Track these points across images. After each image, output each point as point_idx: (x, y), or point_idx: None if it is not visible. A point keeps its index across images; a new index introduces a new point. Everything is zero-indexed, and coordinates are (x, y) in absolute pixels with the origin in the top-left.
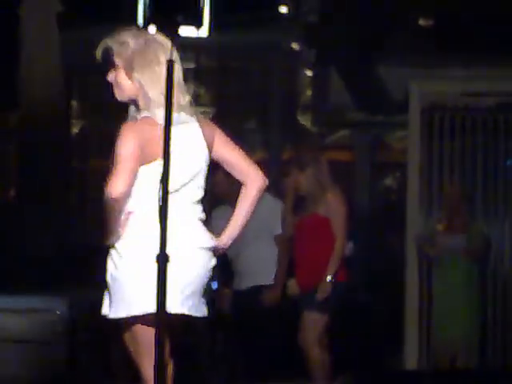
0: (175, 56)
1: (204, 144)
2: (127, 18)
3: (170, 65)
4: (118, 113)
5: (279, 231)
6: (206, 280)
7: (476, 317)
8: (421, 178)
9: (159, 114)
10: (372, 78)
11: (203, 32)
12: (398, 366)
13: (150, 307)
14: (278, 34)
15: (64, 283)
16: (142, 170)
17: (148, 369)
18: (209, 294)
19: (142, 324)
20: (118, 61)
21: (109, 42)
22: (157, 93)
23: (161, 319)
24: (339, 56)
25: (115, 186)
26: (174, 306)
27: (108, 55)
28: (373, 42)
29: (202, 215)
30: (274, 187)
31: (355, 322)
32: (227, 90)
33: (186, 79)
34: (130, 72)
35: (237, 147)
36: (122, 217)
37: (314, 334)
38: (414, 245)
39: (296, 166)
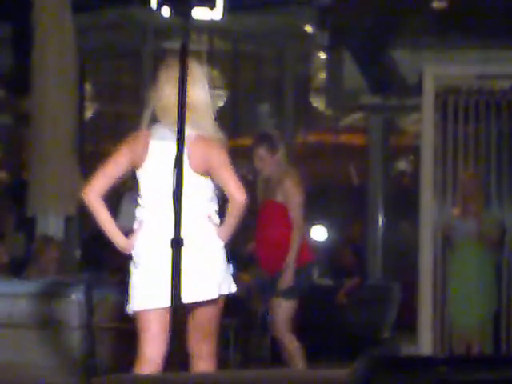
0: (195, 72)
1: (186, 166)
2: (140, 1)
3: (183, 50)
4: (130, 96)
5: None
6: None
7: (490, 303)
8: (435, 162)
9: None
10: (386, 61)
11: (217, 14)
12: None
13: (161, 303)
14: (292, 17)
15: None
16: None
17: (147, 351)
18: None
19: (153, 316)
20: None
21: None
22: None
23: (177, 304)
24: (353, 39)
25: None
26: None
27: None
28: (387, 25)
29: (207, 212)
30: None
31: (369, 308)
32: (241, 73)
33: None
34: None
35: (225, 168)
36: (136, 225)
37: (282, 320)
38: (431, 230)
39: (268, 151)
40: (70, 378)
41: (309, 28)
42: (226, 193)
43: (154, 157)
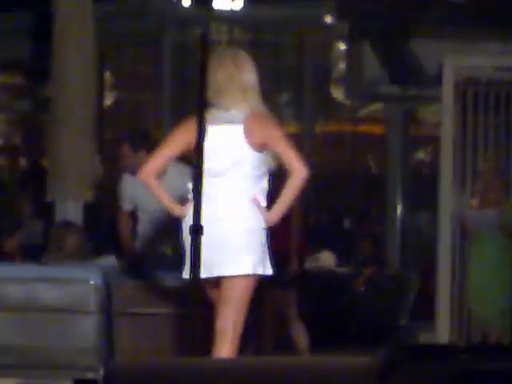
0: (243, 57)
1: (243, 143)
2: None
3: (203, 39)
4: (149, 85)
5: None
6: (251, 245)
7: (509, 293)
8: (454, 153)
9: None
10: (405, 52)
11: (237, 4)
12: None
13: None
14: (312, 7)
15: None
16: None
17: (219, 321)
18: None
19: (209, 286)
20: None
21: None
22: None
23: (194, 285)
24: (373, 29)
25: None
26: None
27: None
28: (407, 15)
29: (253, 194)
30: (308, 159)
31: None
32: (260, 63)
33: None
34: None
35: (283, 141)
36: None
37: (289, 308)
38: (450, 220)
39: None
40: (87, 363)
41: (328, 18)
42: (285, 166)
43: (211, 139)
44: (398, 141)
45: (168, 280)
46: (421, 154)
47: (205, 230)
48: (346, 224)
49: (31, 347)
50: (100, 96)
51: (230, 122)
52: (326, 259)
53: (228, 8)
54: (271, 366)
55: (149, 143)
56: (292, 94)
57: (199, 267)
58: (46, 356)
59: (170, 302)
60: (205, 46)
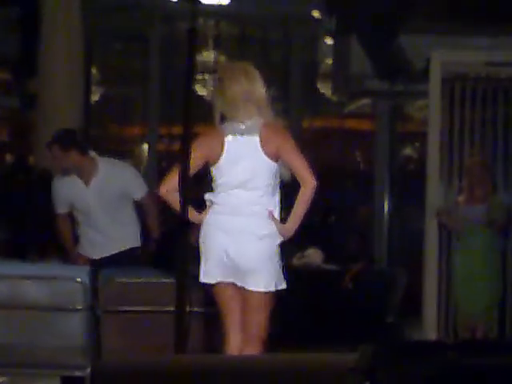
0: (255, 72)
1: (261, 153)
2: None
3: (190, 34)
4: (137, 80)
5: (140, 194)
6: (269, 259)
7: (496, 289)
8: (441, 148)
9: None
10: (393, 47)
11: None
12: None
13: (226, 277)
14: (299, 2)
15: None
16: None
17: (229, 326)
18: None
19: (220, 289)
20: None
21: None
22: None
23: (182, 281)
24: (360, 24)
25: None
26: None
27: None
28: (394, 10)
29: (270, 206)
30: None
31: (374, 293)
32: (247, 58)
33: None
34: None
35: (295, 151)
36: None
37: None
38: (433, 217)
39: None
40: (74, 361)
41: (316, 13)
42: (297, 177)
43: (230, 150)
44: (385, 136)
45: (155, 277)
46: (408, 150)
47: (225, 240)
48: (334, 220)
49: (18, 345)
50: (87, 91)
51: (247, 133)
52: (313, 256)
53: (215, 3)
54: (257, 363)
55: (78, 143)
56: (279, 89)
57: (186, 263)
58: (32, 354)
59: (159, 300)
60: (192, 41)
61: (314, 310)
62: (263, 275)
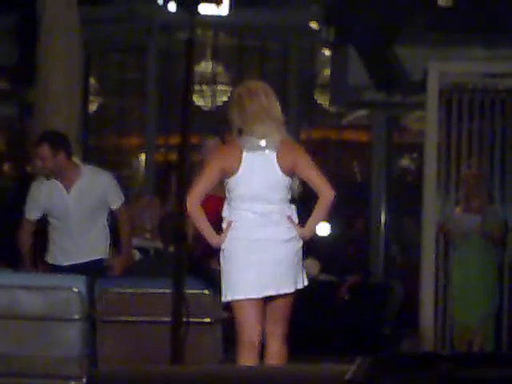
0: (272, 91)
1: (277, 169)
2: None
3: (188, 45)
4: (135, 91)
5: (117, 204)
6: (291, 262)
7: (492, 301)
8: (438, 159)
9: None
10: (390, 58)
11: (223, 10)
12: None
13: (250, 293)
14: (297, 13)
15: None
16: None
17: (245, 336)
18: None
19: (243, 305)
20: None
21: None
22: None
23: (179, 292)
24: (358, 36)
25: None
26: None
27: None
28: (392, 22)
29: (288, 213)
30: None
31: (371, 305)
32: (246, 69)
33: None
34: None
35: (311, 166)
36: (224, 224)
37: None
38: (432, 227)
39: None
40: (70, 371)
41: (314, 24)
42: (314, 189)
43: (246, 164)
44: (382, 147)
45: (152, 288)
46: (405, 161)
47: (253, 255)
48: (330, 231)
49: (14, 356)
50: (85, 101)
51: (265, 148)
52: (310, 267)
53: (214, 13)
54: (254, 374)
55: (66, 145)
56: (277, 99)
57: (183, 276)
58: (28, 364)
59: (155, 310)
60: (190, 52)
61: (311, 320)
62: (294, 276)
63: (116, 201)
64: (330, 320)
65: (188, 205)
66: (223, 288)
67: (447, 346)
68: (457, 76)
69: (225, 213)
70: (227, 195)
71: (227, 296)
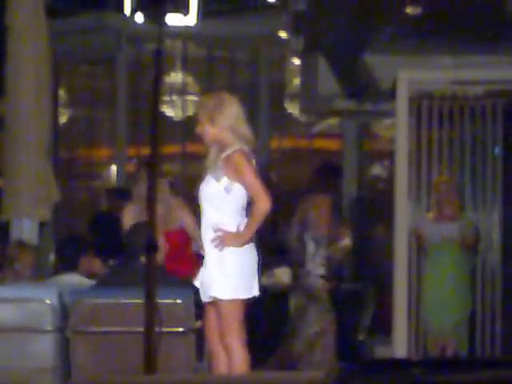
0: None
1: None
2: (115, 6)
3: (157, 56)
4: (104, 101)
5: None
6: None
7: (465, 306)
8: (409, 167)
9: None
10: (360, 67)
11: (190, 20)
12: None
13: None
14: (266, 23)
15: None
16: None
17: (238, 337)
18: None
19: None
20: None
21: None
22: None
23: (151, 303)
24: (327, 44)
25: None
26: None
27: None
28: (361, 30)
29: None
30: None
31: (344, 311)
32: (215, 79)
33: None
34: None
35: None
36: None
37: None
38: (404, 234)
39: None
40: (44, 382)
41: (283, 33)
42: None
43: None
44: (353, 155)
45: (125, 298)
46: (376, 169)
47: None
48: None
49: None
50: (54, 113)
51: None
52: (283, 275)
53: (182, 24)
54: (227, 382)
55: None
56: (247, 109)
57: (154, 286)
58: (1, 376)
59: (128, 321)
60: (159, 62)
61: (283, 328)
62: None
63: None
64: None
65: (269, 203)
66: (235, 284)
67: (420, 351)
68: (426, 83)
69: (236, 219)
70: (238, 203)
71: (251, 292)
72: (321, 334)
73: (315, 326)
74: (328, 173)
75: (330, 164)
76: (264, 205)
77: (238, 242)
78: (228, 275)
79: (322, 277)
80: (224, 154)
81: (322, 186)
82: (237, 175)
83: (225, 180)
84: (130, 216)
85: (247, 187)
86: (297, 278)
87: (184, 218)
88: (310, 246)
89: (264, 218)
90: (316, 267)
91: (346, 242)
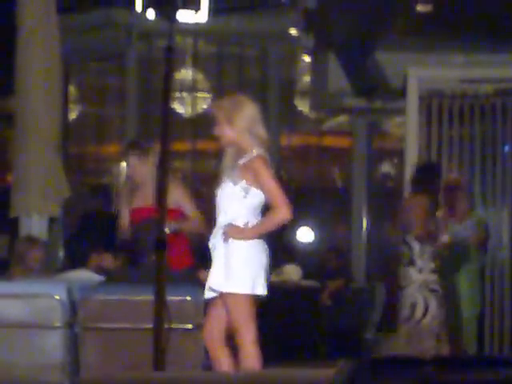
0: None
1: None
2: (125, 3)
3: (168, 52)
4: (114, 98)
5: None
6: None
7: (474, 305)
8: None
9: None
10: (370, 64)
11: (201, 17)
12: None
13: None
14: (277, 20)
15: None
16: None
17: (248, 333)
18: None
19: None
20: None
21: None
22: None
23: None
24: (337, 42)
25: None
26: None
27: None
28: (371, 28)
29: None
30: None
31: (353, 309)
32: (225, 76)
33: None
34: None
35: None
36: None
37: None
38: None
39: (140, 159)
40: (52, 379)
41: (293, 30)
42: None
43: None
44: (363, 153)
45: (134, 294)
46: (386, 167)
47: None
48: (312, 237)
49: None
50: (65, 109)
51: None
52: (292, 272)
53: (192, 21)
54: (236, 379)
55: None
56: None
57: (163, 282)
58: (11, 372)
59: (137, 317)
60: (170, 59)
61: (293, 326)
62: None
63: None
64: (313, 325)
65: (290, 214)
66: (239, 277)
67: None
68: (436, 81)
69: (246, 218)
70: (255, 206)
71: (256, 288)
72: (443, 326)
73: (437, 318)
74: (428, 172)
75: (429, 163)
76: (283, 215)
77: (241, 234)
78: (232, 268)
79: (434, 271)
80: (243, 160)
81: (423, 186)
82: (256, 181)
83: (243, 184)
84: (124, 200)
85: (266, 193)
86: (406, 276)
87: (180, 200)
88: (416, 246)
89: (278, 226)
90: (425, 263)
91: (445, 238)
